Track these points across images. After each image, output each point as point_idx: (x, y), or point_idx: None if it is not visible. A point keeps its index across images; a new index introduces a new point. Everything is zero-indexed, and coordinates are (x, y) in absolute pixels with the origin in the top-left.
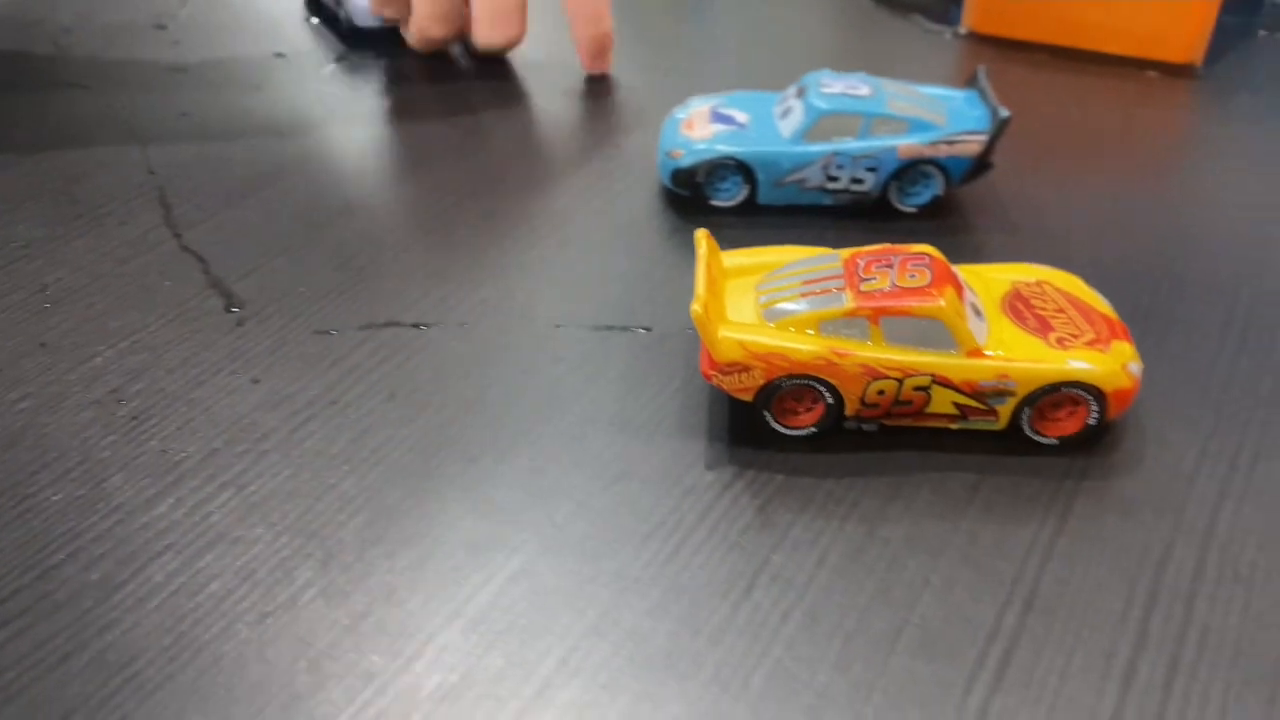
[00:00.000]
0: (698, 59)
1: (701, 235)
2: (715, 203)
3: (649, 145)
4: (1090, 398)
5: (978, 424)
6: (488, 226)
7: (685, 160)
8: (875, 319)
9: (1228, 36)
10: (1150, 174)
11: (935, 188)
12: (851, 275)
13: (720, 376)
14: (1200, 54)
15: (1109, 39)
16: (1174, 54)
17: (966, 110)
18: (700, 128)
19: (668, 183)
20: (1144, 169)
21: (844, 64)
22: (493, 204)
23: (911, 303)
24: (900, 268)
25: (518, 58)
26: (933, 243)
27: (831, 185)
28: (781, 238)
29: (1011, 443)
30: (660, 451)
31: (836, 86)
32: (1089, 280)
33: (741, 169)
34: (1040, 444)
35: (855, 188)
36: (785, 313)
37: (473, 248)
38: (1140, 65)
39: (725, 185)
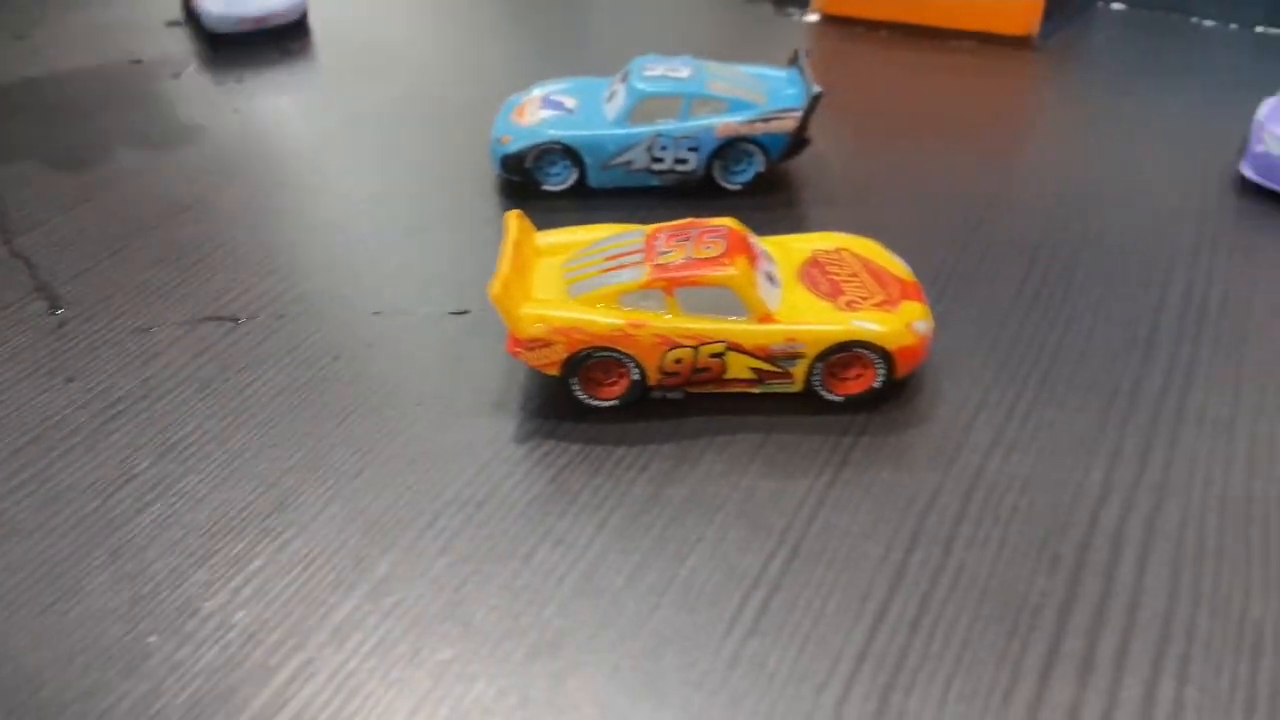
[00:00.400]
0: (555, 47)
1: (511, 216)
2: (547, 187)
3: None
4: (876, 356)
5: (776, 386)
6: (318, 219)
7: (513, 146)
8: (670, 290)
9: (1069, 7)
10: (977, 143)
11: (757, 165)
12: (651, 250)
13: (525, 352)
14: (1035, 25)
15: (950, 15)
16: (1011, 26)
17: (785, 89)
18: (530, 114)
19: (497, 169)
20: (971, 139)
21: (699, 50)
22: (325, 197)
23: (703, 273)
24: (698, 240)
25: (363, 49)
26: (757, 217)
27: (657, 166)
28: (613, 219)
29: (805, 403)
30: (468, 429)
31: (658, 69)
32: (899, 245)
33: (569, 153)
34: (832, 403)
35: (680, 168)
36: (587, 288)
37: (301, 241)
38: (981, 39)
39: (554, 170)
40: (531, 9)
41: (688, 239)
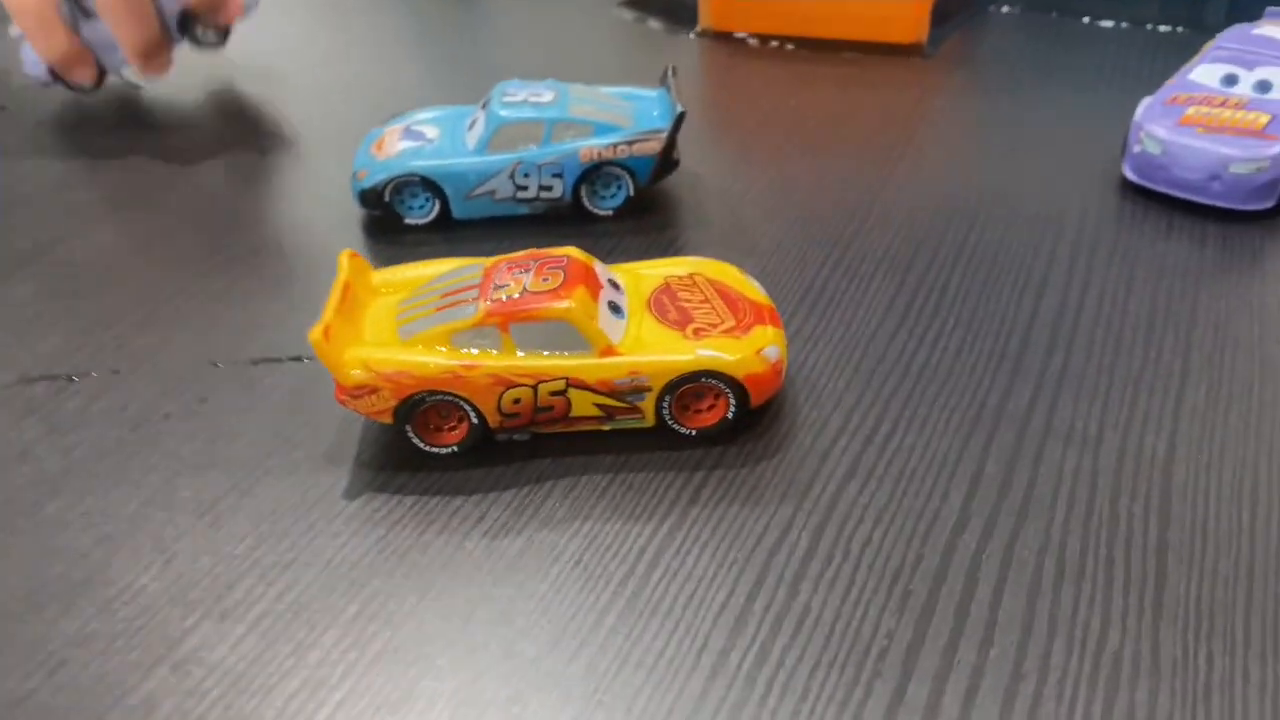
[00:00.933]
0: (436, 72)
1: (343, 257)
2: (409, 221)
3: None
4: (726, 386)
5: (626, 422)
6: (168, 270)
7: (369, 180)
8: (505, 326)
9: (958, 13)
10: (859, 156)
11: (627, 189)
12: (487, 285)
13: (352, 401)
14: (923, 33)
15: (839, 26)
16: (899, 35)
17: (652, 110)
18: (389, 146)
19: (358, 204)
20: (854, 152)
21: (586, 71)
22: (177, 246)
23: (538, 306)
24: (536, 272)
25: (217, 93)
26: (626, 242)
27: (522, 195)
28: (480, 250)
29: (658, 438)
30: (300, 485)
31: (520, 95)
32: (771, 264)
33: (428, 185)
34: (685, 436)
35: (546, 195)
36: (418, 329)
37: (148, 293)
38: (870, 49)
39: (416, 203)
40: (417, 33)
41: (526, 270)
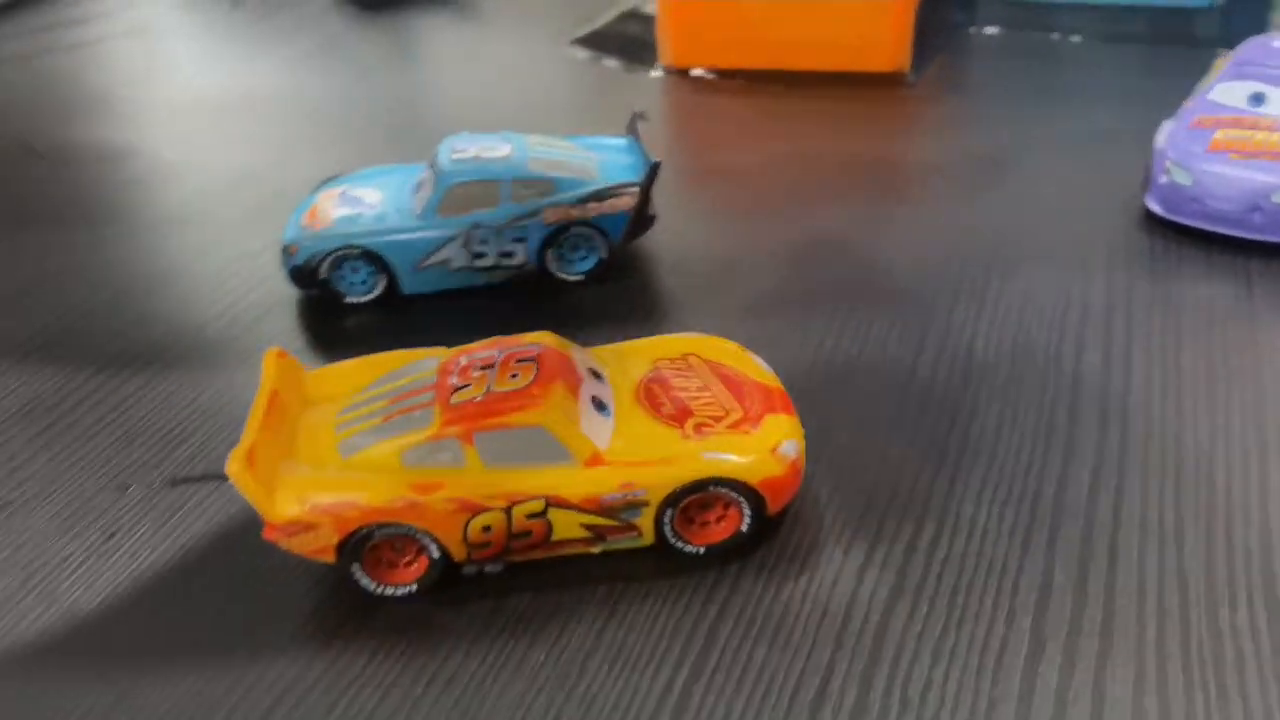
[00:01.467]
0: (375, 128)
1: (269, 358)
2: (351, 300)
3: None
4: (738, 495)
5: (620, 543)
6: (66, 374)
7: (301, 255)
8: (467, 437)
9: (938, 37)
10: (852, 198)
11: (599, 251)
12: (444, 385)
13: (285, 539)
14: (905, 60)
15: (814, 57)
16: (879, 64)
17: (620, 160)
18: (323, 214)
19: (291, 283)
20: (847, 193)
21: (541, 116)
22: (76, 345)
23: (507, 412)
24: (502, 368)
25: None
26: (602, 311)
27: (480, 263)
28: (438, 330)
29: (658, 559)
30: (225, 646)
31: (470, 150)
32: (771, 333)
33: (371, 258)
34: (691, 555)
35: (507, 262)
36: (361, 445)
37: (43, 403)
38: (847, 80)
39: (357, 278)
40: (354, 85)
41: (490, 366)
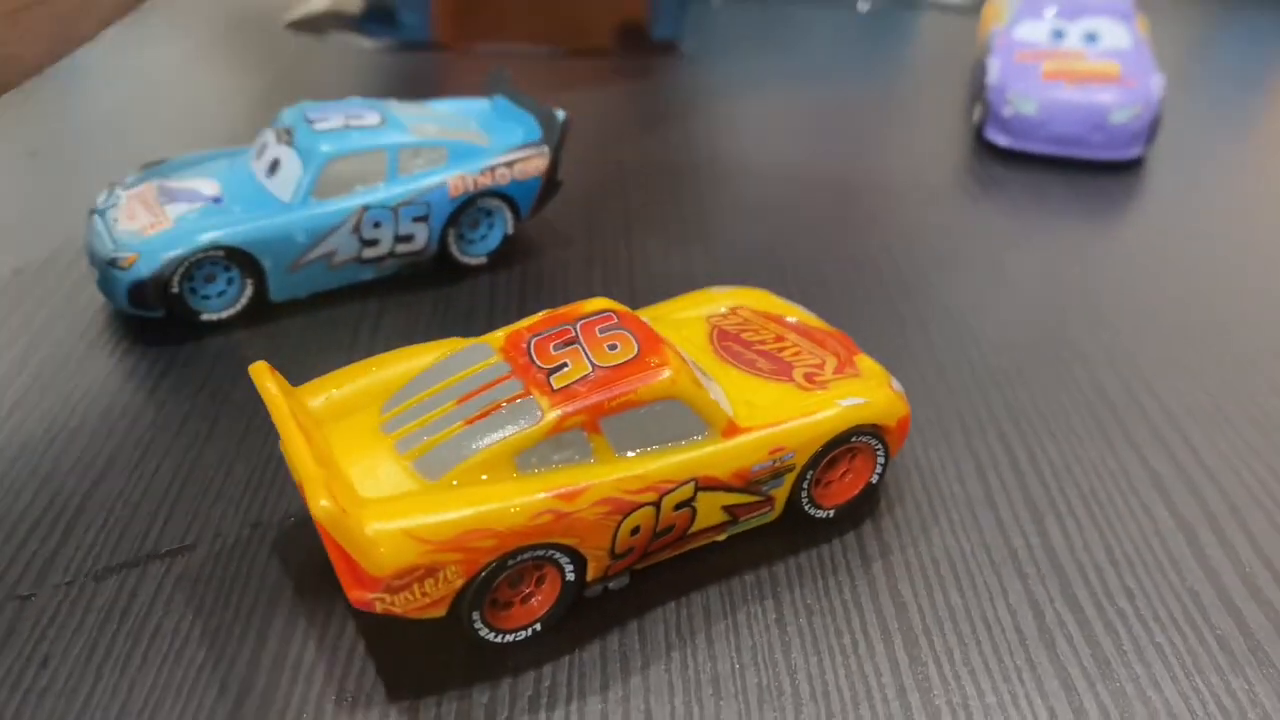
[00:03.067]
0: (81, 130)
1: (261, 372)
2: (208, 317)
3: (67, 254)
4: (875, 441)
5: (750, 523)
6: None
7: (145, 266)
8: (594, 424)
9: (693, 10)
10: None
11: (503, 226)
12: (528, 370)
13: (389, 598)
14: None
15: (571, 35)
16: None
17: (504, 123)
18: (149, 214)
19: (122, 303)
20: (662, 150)
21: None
22: None
23: (634, 385)
24: (588, 339)
25: None
26: (516, 301)
27: (370, 253)
28: (323, 350)
29: (774, 536)
30: None
31: (334, 119)
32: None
33: (236, 259)
34: (819, 521)
35: (403, 248)
36: (452, 457)
37: None
38: (604, 53)
39: (214, 288)
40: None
41: (573, 340)
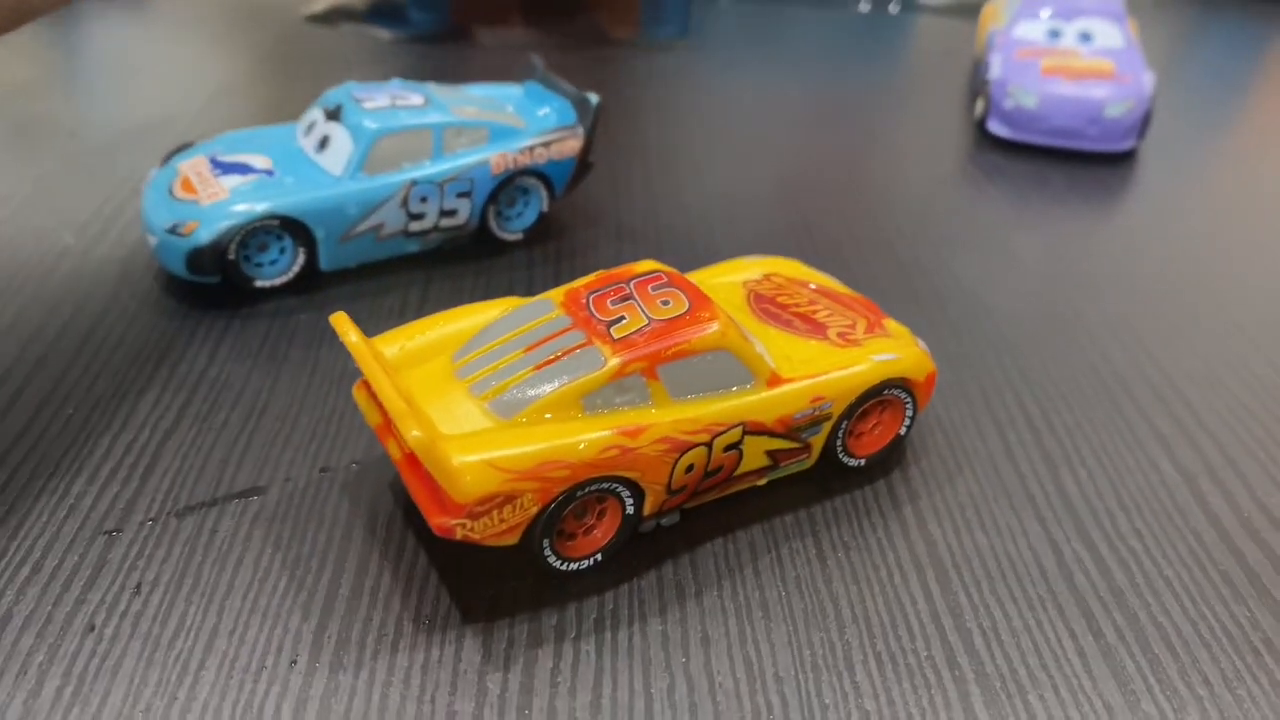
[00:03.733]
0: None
1: (342, 322)
2: (261, 284)
3: (124, 226)
4: (905, 394)
5: (790, 468)
6: None
7: (203, 233)
8: (652, 371)
9: (700, 7)
10: (715, 144)
11: (539, 204)
12: (589, 322)
13: (470, 523)
14: (636, 28)
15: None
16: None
17: (537, 107)
18: (205, 186)
19: (181, 270)
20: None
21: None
22: None
23: (688, 336)
24: (642, 296)
25: None
26: (556, 270)
27: (416, 226)
28: (372, 316)
29: (808, 486)
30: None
31: (380, 99)
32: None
33: (290, 229)
34: (851, 470)
35: (447, 223)
36: (524, 399)
37: None
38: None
39: (268, 257)
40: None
41: (628, 297)
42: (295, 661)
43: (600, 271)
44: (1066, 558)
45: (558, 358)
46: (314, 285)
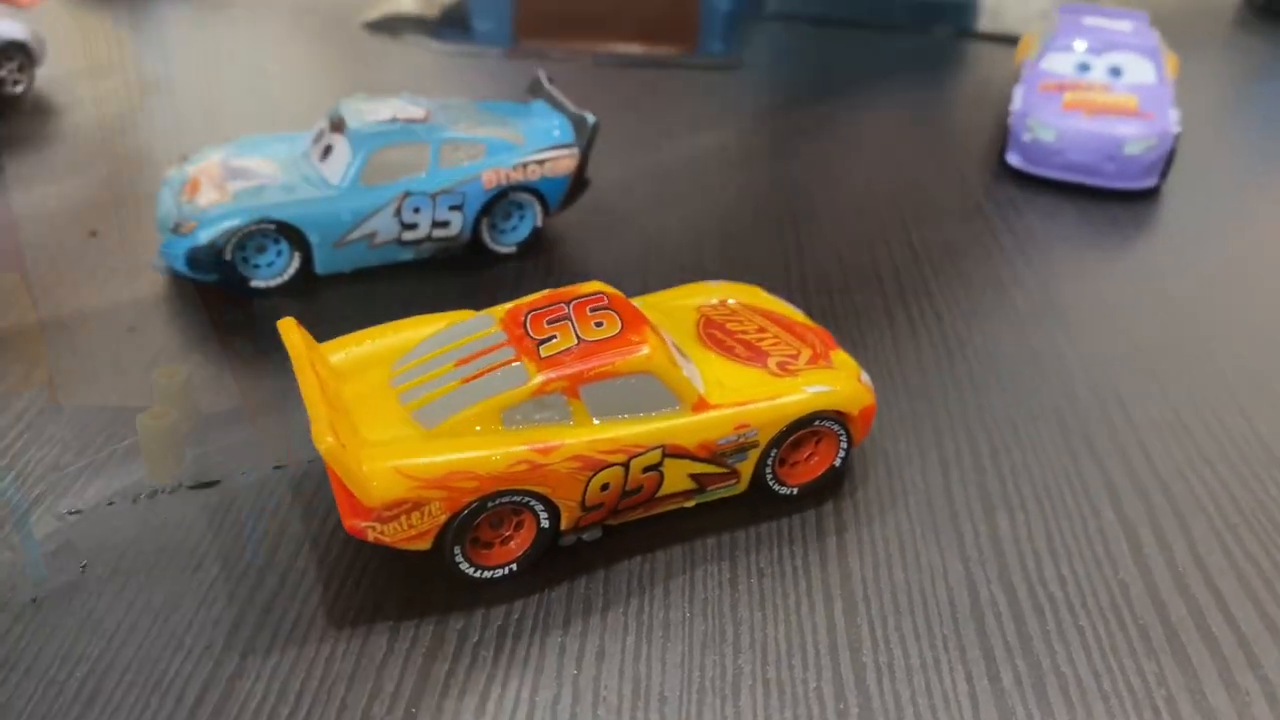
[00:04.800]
0: (182, 103)
1: (288, 329)
2: (257, 284)
3: (144, 221)
4: (839, 427)
5: (718, 492)
6: None
7: (202, 234)
8: (573, 390)
9: (741, 27)
10: (727, 164)
11: (533, 218)
12: (521, 339)
13: (379, 527)
14: (692, 45)
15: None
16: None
17: (541, 124)
18: (211, 189)
19: (182, 268)
20: (722, 160)
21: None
22: None
23: (613, 358)
24: (578, 316)
25: None
26: (543, 284)
27: (409, 235)
28: (361, 319)
29: (739, 510)
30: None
31: (382, 111)
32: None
33: (286, 233)
34: (783, 498)
35: (439, 233)
36: (446, 410)
37: None
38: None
39: (266, 258)
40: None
41: (564, 317)
42: (209, 646)
43: (549, 290)
44: (981, 599)
45: (484, 373)
46: (309, 288)
